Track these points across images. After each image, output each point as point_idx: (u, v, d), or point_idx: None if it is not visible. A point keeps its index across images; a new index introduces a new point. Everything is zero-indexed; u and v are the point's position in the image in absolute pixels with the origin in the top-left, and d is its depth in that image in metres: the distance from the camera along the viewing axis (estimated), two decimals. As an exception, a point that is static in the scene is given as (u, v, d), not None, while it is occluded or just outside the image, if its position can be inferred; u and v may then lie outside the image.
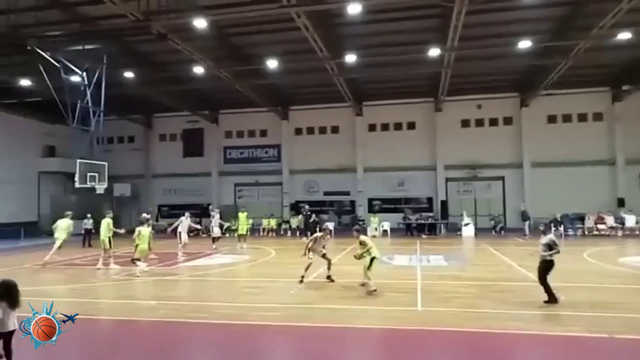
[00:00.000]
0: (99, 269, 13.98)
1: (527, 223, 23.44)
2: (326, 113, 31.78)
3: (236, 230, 21.33)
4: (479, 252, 18.70)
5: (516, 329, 7.24)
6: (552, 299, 8.66)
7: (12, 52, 20.71)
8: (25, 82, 22.88)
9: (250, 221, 24.27)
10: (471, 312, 8.30)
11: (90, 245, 20.59)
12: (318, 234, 11.77)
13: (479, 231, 25.57)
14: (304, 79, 26.94)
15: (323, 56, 20.77)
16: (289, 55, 22.03)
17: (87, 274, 13.65)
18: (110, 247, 14.38)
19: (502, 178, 30.24)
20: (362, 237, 10.33)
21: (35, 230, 28.89)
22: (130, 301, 10.08)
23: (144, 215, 13.67)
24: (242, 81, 25.01)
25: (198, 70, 22.26)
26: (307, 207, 25.50)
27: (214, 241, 19.08)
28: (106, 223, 14.49)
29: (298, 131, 32.86)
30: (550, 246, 8.87)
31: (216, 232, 19.15)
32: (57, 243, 15.33)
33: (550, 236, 9.05)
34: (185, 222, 17.49)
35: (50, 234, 29.53)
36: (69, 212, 16.14)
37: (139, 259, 12.84)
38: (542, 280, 8.82)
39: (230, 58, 22.98)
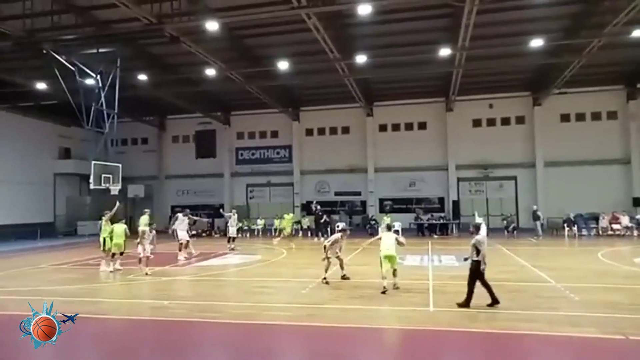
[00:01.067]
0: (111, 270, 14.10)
1: (538, 223, 23.21)
2: (337, 113, 31.82)
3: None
4: (491, 252, 18.31)
5: (529, 330, 7.19)
6: (494, 299, 8.44)
7: (28, 56, 21.11)
8: (41, 85, 23.28)
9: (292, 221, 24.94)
10: (483, 312, 8.27)
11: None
12: (337, 235, 11.84)
13: (491, 231, 25.20)
14: (315, 80, 27.01)
15: (333, 57, 20.82)
16: (300, 57, 22.12)
17: (102, 274, 13.85)
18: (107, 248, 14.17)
19: (515, 178, 29.98)
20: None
21: (51, 231, 29.41)
22: (143, 300, 10.23)
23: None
24: (253, 82, 25.17)
25: (210, 72, 22.46)
26: (318, 206, 25.48)
27: (229, 241, 19.21)
28: (104, 225, 14.37)
29: (309, 132, 32.95)
30: (476, 247, 8.70)
31: (232, 232, 19.28)
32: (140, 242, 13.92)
33: (477, 237, 8.89)
34: (182, 221, 16.88)
35: (66, 234, 30.11)
36: (147, 210, 17.12)
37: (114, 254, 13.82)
38: (470, 282, 8.63)
39: (242, 60, 23.14)
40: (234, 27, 19.85)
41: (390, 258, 10.37)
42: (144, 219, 16.04)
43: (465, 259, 8.98)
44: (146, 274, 12.84)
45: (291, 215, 22.06)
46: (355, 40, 21.51)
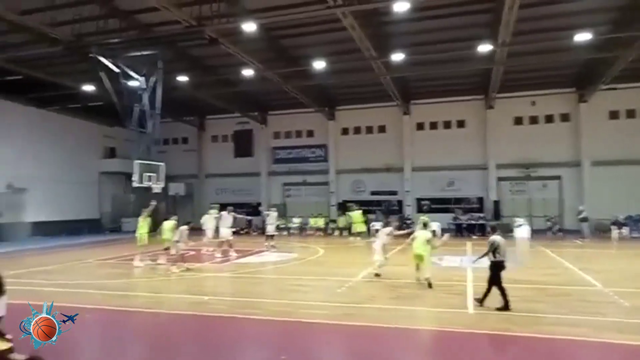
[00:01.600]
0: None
1: (584, 224, 22.24)
2: (373, 112, 31.61)
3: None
4: (533, 254, 18.00)
5: (574, 335, 6.91)
6: (506, 304, 8.29)
7: (76, 59, 22.08)
8: (88, 88, 24.29)
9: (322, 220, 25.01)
10: (526, 316, 8.03)
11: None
12: (386, 236, 12.45)
13: (533, 233, 24.58)
14: (351, 79, 26.93)
15: (370, 55, 20.69)
16: (336, 56, 22.11)
17: (145, 269, 14.34)
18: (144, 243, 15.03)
19: (559, 177, 28.87)
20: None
21: (97, 227, 30.71)
22: (184, 296, 10.52)
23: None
24: (290, 82, 25.37)
25: (248, 72, 22.80)
26: (354, 206, 25.43)
27: (267, 239, 19.42)
28: (145, 223, 15.19)
29: (345, 131, 32.89)
30: (494, 247, 8.53)
31: (270, 229, 19.49)
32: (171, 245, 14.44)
33: (493, 237, 8.74)
34: (227, 219, 17.16)
35: (112, 230, 31.35)
36: (175, 216, 15.78)
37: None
38: (494, 283, 8.47)
39: (279, 60, 23.37)
40: (270, 27, 20.06)
41: (419, 257, 10.55)
42: (168, 225, 14.51)
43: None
44: (187, 269, 13.25)
45: (359, 211, 22.48)
46: (391, 38, 21.30)
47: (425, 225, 11.23)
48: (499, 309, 8.25)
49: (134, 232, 15.48)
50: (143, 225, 15.09)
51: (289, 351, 6.54)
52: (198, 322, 8.26)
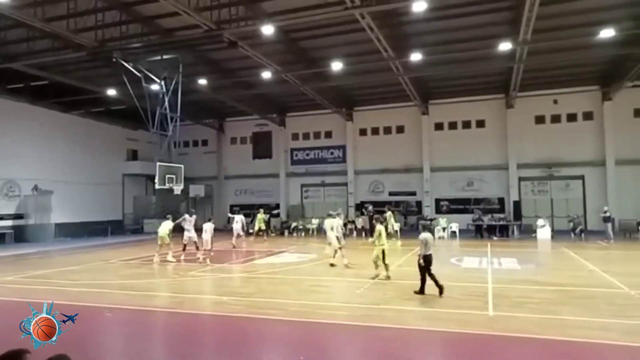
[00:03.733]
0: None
1: (609, 225, 21.73)
2: (391, 113, 31.49)
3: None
4: (556, 255, 17.66)
5: (601, 339, 6.75)
6: (422, 289, 9.75)
7: (99, 64, 22.62)
8: (111, 92, 24.84)
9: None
10: (549, 318, 7.89)
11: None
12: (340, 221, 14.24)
13: (556, 233, 24.11)
14: (369, 80, 26.88)
15: (388, 56, 20.63)
16: (354, 57, 22.10)
17: (167, 269, 14.59)
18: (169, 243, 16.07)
19: (582, 177, 28.27)
20: (379, 227, 11.95)
21: (120, 228, 31.33)
22: (203, 296, 10.67)
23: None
24: (308, 84, 25.47)
25: (266, 75, 22.98)
26: (370, 207, 25.68)
27: (236, 239, 20.13)
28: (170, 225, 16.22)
29: (363, 132, 32.85)
30: (425, 243, 9.91)
31: (237, 228, 20.29)
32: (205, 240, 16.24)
33: (424, 235, 10.07)
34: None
35: (134, 231, 31.93)
36: (211, 217, 18.21)
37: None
38: (423, 273, 9.84)
39: (297, 62, 23.48)
40: (288, 30, 20.18)
41: (384, 252, 11.55)
42: (165, 225, 16.13)
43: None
44: (206, 263, 14.18)
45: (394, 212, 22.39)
46: (409, 38, 21.20)
47: (380, 222, 12.17)
48: (416, 292, 9.71)
49: (156, 233, 15.99)
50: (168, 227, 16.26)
51: (307, 352, 6.58)
52: (217, 322, 8.37)
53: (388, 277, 11.49)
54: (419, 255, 9.87)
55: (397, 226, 23.15)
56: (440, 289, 9.50)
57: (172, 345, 7.21)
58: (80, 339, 6.36)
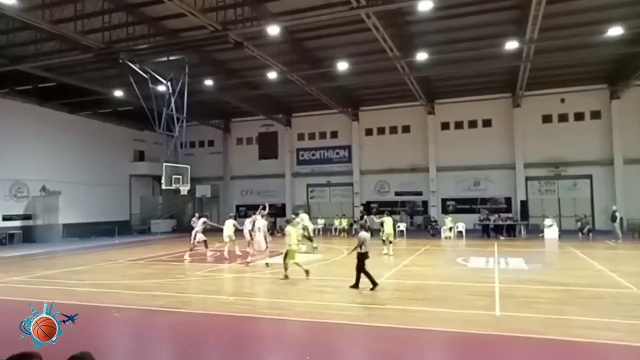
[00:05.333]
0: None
1: (617, 225, 21.55)
2: (396, 112, 31.44)
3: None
4: (563, 255, 17.55)
5: (608, 339, 6.69)
6: (357, 284, 10.34)
7: (106, 66, 22.77)
8: (117, 93, 24.98)
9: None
10: (556, 318, 7.84)
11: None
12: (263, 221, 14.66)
13: (563, 233, 23.96)
14: (374, 79, 26.85)
15: (393, 55, 20.59)
16: (359, 57, 22.09)
17: (174, 269, 14.64)
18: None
19: (590, 176, 28.07)
20: (287, 228, 12.56)
21: (127, 229, 31.51)
22: (211, 296, 10.69)
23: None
24: (313, 84, 25.49)
25: (272, 75, 23.02)
26: (361, 208, 25.89)
27: (196, 244, 18.29)
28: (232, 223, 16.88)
29: (368, 131, 32.81)
30: (361, 242, 10.51)
31: (198, 229, 19.75)
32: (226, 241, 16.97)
33: (362, 234, 10.71)
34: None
35: (140, 231, 32.14)
36: (232, 214, 19.01)
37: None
38: (361, 270, 10.37)
39: (302, 62, 23.51)
40: (294, 30, 20.20)
41: (292, 252, 11.99)
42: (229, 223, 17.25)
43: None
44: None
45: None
46: (415, 37, 21.15)
47: (289, 222, 12.64)
48: (372, 289, 10.11)
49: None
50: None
51: (313, 352, 6.58)
52: (224, 322, 8.39)
53: (286, 277, 11.86)
54: (358, 253, 10.49)
55: (402, 226, 22.98)
56: (374, 284, 10.15)
57: (179, 345, 7.24)
58: (88, 338, 6.41)
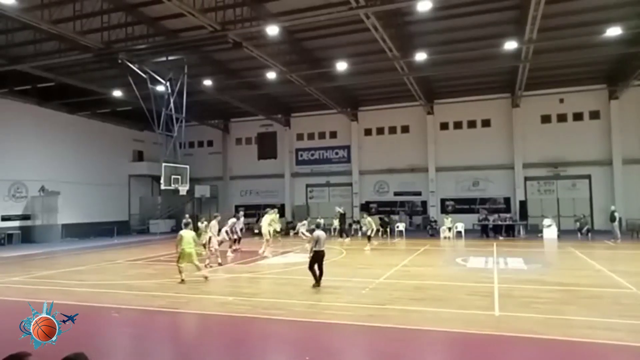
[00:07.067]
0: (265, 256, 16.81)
1: (616, 225, 21.58)
2: (396, 113, 31.46)
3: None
4: (562, 255, 17.57)
5: (607, 339, 6.70)
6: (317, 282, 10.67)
7: (105, 66, 22.76)
8: (117, 93, 24.98)
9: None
10: (555, 318, 7.85)
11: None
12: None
13: (562, 233, 23.99)
14: (373, 80, 26.87)
15: (392, 56, 20.60)
16: (358, 57, 22.11)
17: (173, 269, 14.61)
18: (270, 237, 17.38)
19: (589, 176, 28.11)
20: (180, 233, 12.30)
21: (126, 229, 31.47)
22: (209, 296, 10.68)
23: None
24: (312, 84, 25.49)
25: (271, 75, 23.02)
26: (341, 209, 26.62)
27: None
28: (269, 219, 17.45)
29: (367, 132, 32.83)
30: (316, 240, 10.72)
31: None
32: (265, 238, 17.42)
33: (317, 232, 10.89)
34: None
35: (139, 232, 32.10)
36: (269, 209, 18.64)
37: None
38: (310, 267, 10.78)
39: (301, 62, 23.51)
40: (293, 30, 20.21)
41: (188, 255, 11.87)
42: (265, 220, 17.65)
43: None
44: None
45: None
46: (414, 37, 21.17)
47: (187, 225, 12.34)
48: (313, 286, 10.61)
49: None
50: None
51: (313, 352, 6.57)
52: (223, 323, 8.39)
53: (182, 281, 11.78)
54: (311, 250, 10.82)
55: (401, 226, 23.06)
56: (317, 282, 10.68)
57: (179, 345, 7.24)
58: (87, 339, 6.40)
